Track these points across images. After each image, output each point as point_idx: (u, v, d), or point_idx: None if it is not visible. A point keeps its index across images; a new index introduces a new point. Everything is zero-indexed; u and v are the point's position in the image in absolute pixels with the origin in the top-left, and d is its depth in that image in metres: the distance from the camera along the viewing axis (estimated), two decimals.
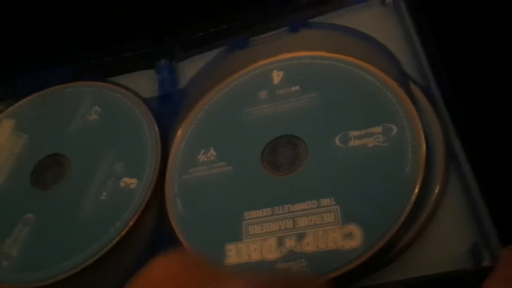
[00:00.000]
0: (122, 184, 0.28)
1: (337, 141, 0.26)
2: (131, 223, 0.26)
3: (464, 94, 0.25)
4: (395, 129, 0.25)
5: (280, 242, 0.24)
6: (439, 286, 0.21)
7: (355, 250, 0.22)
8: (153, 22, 0.35)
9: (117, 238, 0.26)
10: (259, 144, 0.27)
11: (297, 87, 0.29)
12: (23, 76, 0.34)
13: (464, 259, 0.21)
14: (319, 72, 0.29)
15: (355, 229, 0.23)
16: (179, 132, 0.30)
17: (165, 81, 0.32)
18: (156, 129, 0.30)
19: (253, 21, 0.32)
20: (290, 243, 0.24)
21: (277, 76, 0.30)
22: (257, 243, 0.24)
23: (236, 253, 0.25)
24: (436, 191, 0.23)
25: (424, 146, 0.24)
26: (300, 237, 0.24)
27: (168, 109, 0.30)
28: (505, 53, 0.28)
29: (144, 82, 0.32)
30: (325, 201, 0.24)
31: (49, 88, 0.34)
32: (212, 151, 0.28)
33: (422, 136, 0.24)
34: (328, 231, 0.23)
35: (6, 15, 0.39)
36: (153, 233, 0.27)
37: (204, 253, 0.25)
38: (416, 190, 0.23)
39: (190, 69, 0.33)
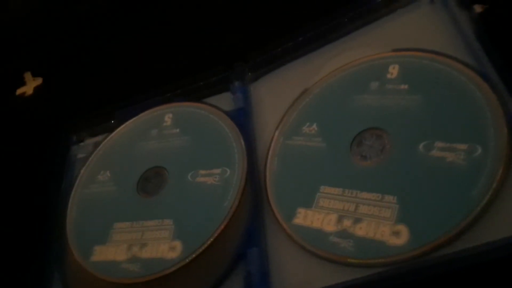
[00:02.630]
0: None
1: (421, 147, 0.27)
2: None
3: None
4: (479, 150, 0.26)
5: (339, 220, 0.28)
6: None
7: (396, 248, 0.25)
8: (224, 51, 0.41)
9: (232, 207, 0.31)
10: (354, 130, 0.30)
11: (406, 86, 0.30)
12: (125, 109, 0.41)
13: None
14: (432, 76, 0.29)
15: (405, 231, 0.25)
16: (295, 102, 0.34)
17: (239, 99, 0.37)
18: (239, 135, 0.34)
19: (313, 37, 0.35)
20: (346, 223, 0.28)
21: (392, 71, 0.31)
22: (322, 214, 0.29)
23: (303, 217, 0.29)
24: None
25: (500, 172, 0.24)
26: (356, 221, 0.27)
27: (242, 121, 0.36)
28: None
29: (222, 103, 0.37)
30: (388, 197, 0.27)
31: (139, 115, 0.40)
32: (314, 126, 0.33)
33: (504, 162, 0.24)
34: (380, 224, 0.26)
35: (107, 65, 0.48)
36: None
37: (279, 209, 0.30)
38: (474, 214, 0.24)
39: (261, 88, 0.37)
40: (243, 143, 0.34)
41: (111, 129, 0.41)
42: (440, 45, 0.30)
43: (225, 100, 0.38)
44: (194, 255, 0.30)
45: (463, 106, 0.27)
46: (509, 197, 0.24)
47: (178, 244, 0.31)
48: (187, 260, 0.30)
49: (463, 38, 0.29)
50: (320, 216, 0.29)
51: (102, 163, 0.39)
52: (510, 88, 0.26)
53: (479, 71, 0.28)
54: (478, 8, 0.28)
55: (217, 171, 0.33)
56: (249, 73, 0.38)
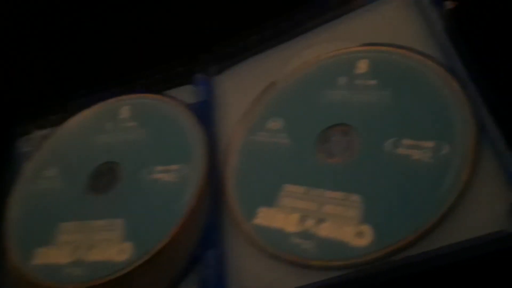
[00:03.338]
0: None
1: (387, 144, 0.26)
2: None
3: (487, 73, 0.25)
4: (446, 148, 0.25)
5: (302, 219, 0.27)
6: (480, 253, 0.22)
7: (360, 249, 0.24)
8: (188, 41, 0.39)
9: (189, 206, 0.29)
10: (321, 126, 0.29)
11: (375, 82, 0.29)
12: (78, 100, 0.39)
13: (502, 221, 0.22)
14: (401, 72, 0.29)
15: (369, 231, 0.24)
16: (260, 96, 0.33)
17: (202, 92, 0.35)
18: (201, 129, 0.32)
19: (280, 29, 0.34)
20: (309, 223, 0.26)
21: (361, 66, 0.30)
22: (284, 214, 0.27)
23: (264, 216, 0.28)
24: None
25: (466, 171, 0.24)
26: (320, 221, 0.26)
27: (204, 115, 0.34)
28: None
29: (184, 95, 0.35)
30: (353, 196, 0.26)
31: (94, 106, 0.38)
32: (280, 121, 0.31)
33: (470, 160, 0.24)
34: (344, 224, 0.25)
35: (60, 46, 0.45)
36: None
37: (239, 208, 0.29)
38: (439, 214, 0.23)
39: (225, 80, 0.36)
40: (204, 138, 0.32)
41: (62, 121, 0.38)
42: (410, 40, 0.29)
43: (187, 93, 0.36)
44: (145, 258, 0.28)
45: (431, 103, 0.27)
46: (476, 196, 0.23)
47: (128, 246, 0.29)
48: (137, 264, 0.28)
49: (433, 34, 0.29)
50: (282, 216, 0.27)
51: (50, 157, 0.36)
52: (479, 85, 0.25)
53: (448, 67, 0.27)
54: (449, 4, 0.28)
55: (175, 167, 0.31)
56: (214, 65, 0.36)
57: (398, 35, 0.30)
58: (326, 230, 0.25)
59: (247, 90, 0.34)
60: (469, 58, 0.26)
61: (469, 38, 0.26)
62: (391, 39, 0.30)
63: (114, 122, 0.36)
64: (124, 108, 0.37)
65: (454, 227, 0.23)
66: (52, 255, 0.31)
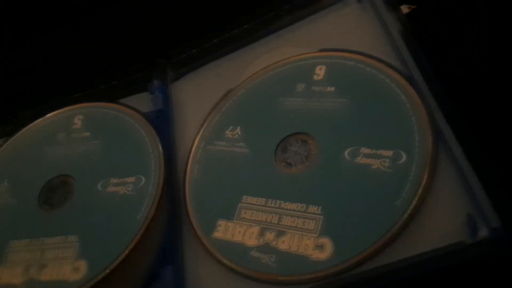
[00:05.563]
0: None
1: (346, 154, 0.26)
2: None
3: (444, 78, 0.25)
4: (404, 157, 0.24)
5: (262, 232, 0.26)
6: (440, 265, 0.21)
7: (320, 263, 0.24)
8: (144, 47, 0.38)
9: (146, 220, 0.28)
10: (279, 135, 0.28)
11: (333, 88, 0.29)
12: (27, 111, 0.37)
13: (460, 232, 0.21)
14: (359, 78, 0.28)
15: (328, 244, 0.24)
16: (218, 104, 0.32)
17: (158, 100, 0.34)
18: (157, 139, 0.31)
19: (238, 34, 0.33)
20: (269, 236, 0.26)
21: (319, 72, 0.30)
22: (243, 227, 0.27)
23: (224, 230, 0.27)
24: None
25: (424, 180, 0.23)
26: (279, 234, 0.25)
27: (161, 124, 0.33)
28: (480, 34, 0.28)
29: (140, 103, 0.34)
30: (312, 208, 0.25)
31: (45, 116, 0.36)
32: (238, 130, 0.30)
33: (427, 171, 0.23)
34: (304, 237, 0.25)
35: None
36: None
37: (198, 221, 0.28)
38: (397, 226, 0.23)
39: (182, 87, 0.35)
40: (161, 148, 0.31)
41: (11, 132, 0.36)
42: (367, 45, 0.29)
43: (143, 101, 0.34)
44: (100, 277, 0.27)
45: (389, 110, 0.26)
46: (434, 206, 0.23)
47: (82, 264, 0.28)
48: (92, 283, 0.27)
49: (389, 39, 0.28)
50: (242, 229, 0.26)
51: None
52: (435, 92, 0.25)
53: (405, 74, 0.27)
54: (404, 9, 0.28)
55: (131, 179, 0.30)
56: (170, 72, 0.35)
57: (355, 40, 0.29)
58: (286, 244, 0.25)
59: (205, 97, 0.33)
60: (425, 63, 0.26)
61: (425, 43, 0.26)
62: (348, 44, 0.29)
63: (67, 132, 0.34)
64: (77, 118, 0.35)
65: (413, 238, 0.22)
66: (3, 276, 0.29)
